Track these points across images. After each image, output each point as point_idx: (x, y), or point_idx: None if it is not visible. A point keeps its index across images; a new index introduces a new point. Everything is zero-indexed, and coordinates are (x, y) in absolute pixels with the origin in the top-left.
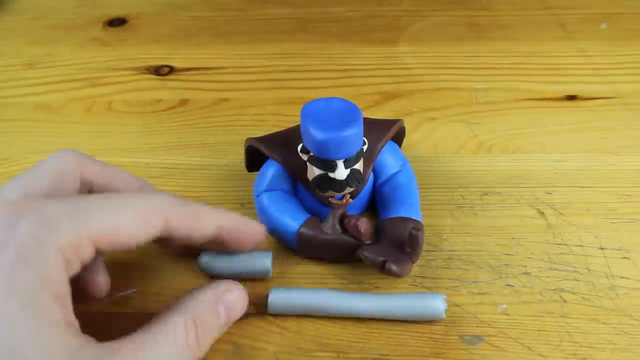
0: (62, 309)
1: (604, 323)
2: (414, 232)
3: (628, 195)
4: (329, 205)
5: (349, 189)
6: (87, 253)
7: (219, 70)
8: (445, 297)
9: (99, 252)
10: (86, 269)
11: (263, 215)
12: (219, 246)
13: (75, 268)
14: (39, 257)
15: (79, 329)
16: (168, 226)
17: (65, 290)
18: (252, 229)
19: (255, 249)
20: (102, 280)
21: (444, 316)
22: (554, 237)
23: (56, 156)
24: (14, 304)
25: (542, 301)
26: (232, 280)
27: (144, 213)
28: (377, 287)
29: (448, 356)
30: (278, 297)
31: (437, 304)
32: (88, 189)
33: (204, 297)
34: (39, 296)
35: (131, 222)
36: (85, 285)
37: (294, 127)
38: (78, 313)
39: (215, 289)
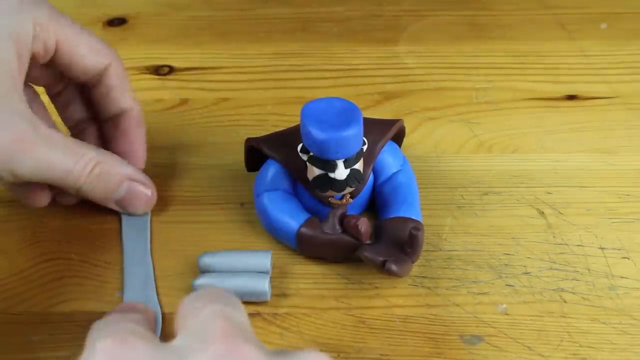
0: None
1: (604, 323)
2: (414, 232)
3: (628, 195)
4: (329, 205)
5: (349, 189)
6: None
7: (219, 70)
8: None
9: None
10: None
11: (263, 215)
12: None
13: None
14: None
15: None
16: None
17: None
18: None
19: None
20: None
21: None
22: (554, 237)
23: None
24: None
25: (542, 301)
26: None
27: None
28: (376, 287)
29: (448, 356)
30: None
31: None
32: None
33: (119, 169)
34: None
35: None
36: None
37: (294, 127)
38: None
39: (133, 173)
